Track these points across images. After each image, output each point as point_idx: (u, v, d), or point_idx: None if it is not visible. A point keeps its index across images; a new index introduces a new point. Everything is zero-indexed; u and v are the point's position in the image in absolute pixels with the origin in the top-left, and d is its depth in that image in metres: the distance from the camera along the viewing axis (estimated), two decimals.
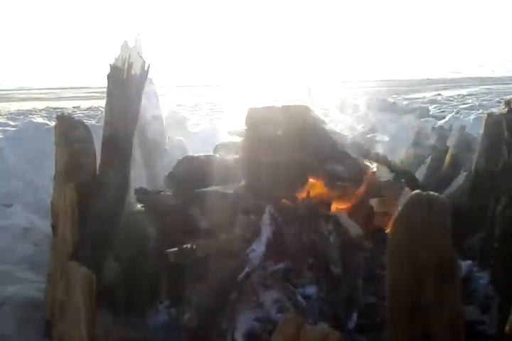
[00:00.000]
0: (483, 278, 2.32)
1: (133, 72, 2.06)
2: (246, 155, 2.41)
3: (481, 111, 7.03)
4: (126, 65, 2.02)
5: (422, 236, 1.34)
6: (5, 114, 11.35)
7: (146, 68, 2.13)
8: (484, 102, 10.62)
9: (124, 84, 2.02)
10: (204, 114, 10.14)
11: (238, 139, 2.70)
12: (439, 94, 16.27)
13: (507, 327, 1.42)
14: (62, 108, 14.49)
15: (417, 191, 1.39)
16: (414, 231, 1.35)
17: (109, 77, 2.06)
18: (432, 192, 1.37)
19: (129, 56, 2.08)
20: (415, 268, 1.36)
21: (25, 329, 2.23)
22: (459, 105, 10.50)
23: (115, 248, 2.26)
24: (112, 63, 2.05)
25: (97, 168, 2.17)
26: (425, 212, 1.33)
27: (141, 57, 2.15)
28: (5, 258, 2.78)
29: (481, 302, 2.21)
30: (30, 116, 10.13)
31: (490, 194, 2.33)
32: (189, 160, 2.54)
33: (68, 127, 2.12)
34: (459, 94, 16.34)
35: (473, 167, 2.67)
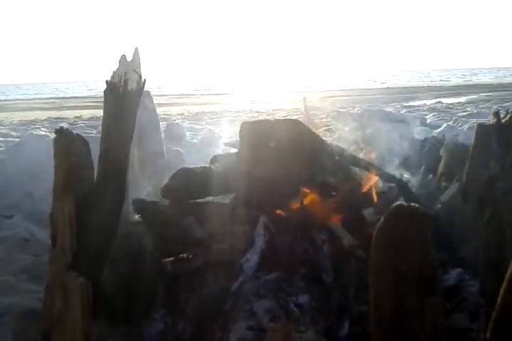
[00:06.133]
0: (474, 286, 2.35)
1: (129, 88, 2.12)
2: (240, 167, 2.46)
3: (475, 120, 7.08)
4: (122, 81, 2.08)
5: (402, 247, 1.38)
6: (7, 125, 11.43)
7: (141, 83, 2.19)
8: (483, 110, 10.68)
9: (120, 100, 2.07)
10: (205, 123, 10.20)
11: (234, 151, 2.76)
12: (439, 102, 16.33)
13: (488, 334, 1.45)
14: (64, 118, 14.58)
15: (399, 203, 1.43)
16: (394, 242, 1.38)
17: (105, 92, 2.12)
18: (412, 204, 1.41)
19: (126, 72, 2.14)
20: (397, 279, 1.40)
21: (23, 340, 2.26)
22: (458, 113, 10.55)
23: (113, 257, 2.30)
24: (108, 79, 2.11)
25: (95, 179, 2.22)
26: (405, 224, 1.37)
27: (137, 72, 2.21)
28: (4, 269, 2.82)
29: (471, 310, 2.25)
30: (33, 126, 10.22)
31: (479, 204, 2.36)
32: (184, 173, 2.60)
33: (66, 140, 2.17)
34: (459, 102, 16.40)
35: (463, 177, 2.71)
